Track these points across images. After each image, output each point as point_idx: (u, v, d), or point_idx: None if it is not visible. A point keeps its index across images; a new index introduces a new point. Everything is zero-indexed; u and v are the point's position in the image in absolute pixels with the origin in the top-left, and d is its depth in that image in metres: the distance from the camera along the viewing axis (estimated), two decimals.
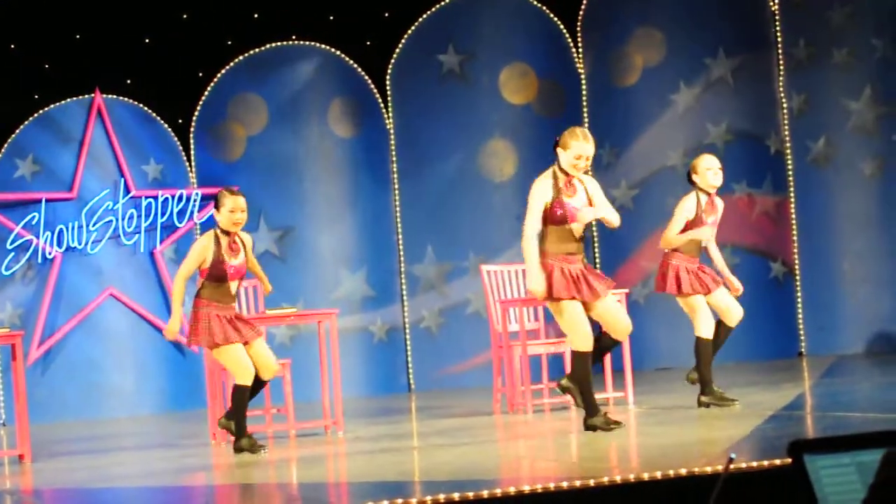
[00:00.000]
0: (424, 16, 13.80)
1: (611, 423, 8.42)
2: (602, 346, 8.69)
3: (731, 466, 3.63)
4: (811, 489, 3.52)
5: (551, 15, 13.95)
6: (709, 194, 9.56)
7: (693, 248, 9.59)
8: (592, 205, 8.49)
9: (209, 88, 13.45)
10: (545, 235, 8.44)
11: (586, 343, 8.42)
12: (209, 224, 11.19)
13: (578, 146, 8.36)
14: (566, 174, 8.43)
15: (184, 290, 8.83)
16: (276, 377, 9.24)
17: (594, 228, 13.89)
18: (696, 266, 9.57)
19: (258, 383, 8.95)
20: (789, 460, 3.58)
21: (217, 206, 8.84)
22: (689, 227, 9.53)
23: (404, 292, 13.73)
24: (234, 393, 8.82)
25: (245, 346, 8.84)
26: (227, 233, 8.83)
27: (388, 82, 13.79)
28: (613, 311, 8.56)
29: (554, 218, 8.39)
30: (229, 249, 8.80)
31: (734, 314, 9.53)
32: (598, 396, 10.36)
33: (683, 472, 6.07)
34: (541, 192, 8.42)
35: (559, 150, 8.43)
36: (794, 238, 13.91)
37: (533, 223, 8.38)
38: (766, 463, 6.03)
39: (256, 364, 8.89)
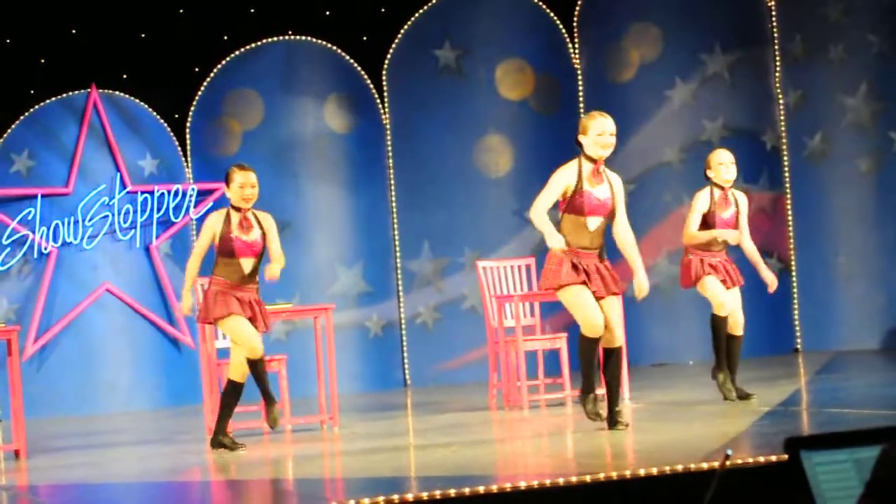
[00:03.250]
0: (421, 11, 13.79)
1: (591, 414, 8.38)
2: (606, 361, 8.51)
3: (727, 463, 3.63)
4: (808, 486, 3.52)
5: (548, 10, 13.95)
6: (722, 189, 9.56)
7: (713, 244, 9.55)
8: (615, 199, 8.26)
9: (205, 83, 13.44)
10: (560, 225, 8.25)
11: (592, 330, 8.19)
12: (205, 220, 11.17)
13: (597, 124, 8.22)
14: (593, 162, 8.22)
15: (197, 268, 8.83)
16: (272, 373, 9.22)
17: None
18: (717, 260, 9.55)
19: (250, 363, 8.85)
20: (786, 457, 3.58)
21: (227, 183, 8.83)
22: (704, 221, 9.52)
23: (400, 288, 13.73)
24: (226, 386, 8.84)
25: None
26: (238, 209, 8.82)
27: (384, 77, 13.78)
28: (608, 315, 8.27)
29: (573, 206, 8.19)
30: (240, 226, 8.77)
31: (734, 319, 9.53)
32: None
33: (679, 468, 6.07)
34: (564, 175, 8.20)
35: (581, 138, 8.25)
36: (791, 234, 13.91)
37: (544, 199, 8.16)
38: (762, 459, 6.03)
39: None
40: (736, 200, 9.62)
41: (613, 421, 8.30)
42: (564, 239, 8.15)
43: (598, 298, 8.24)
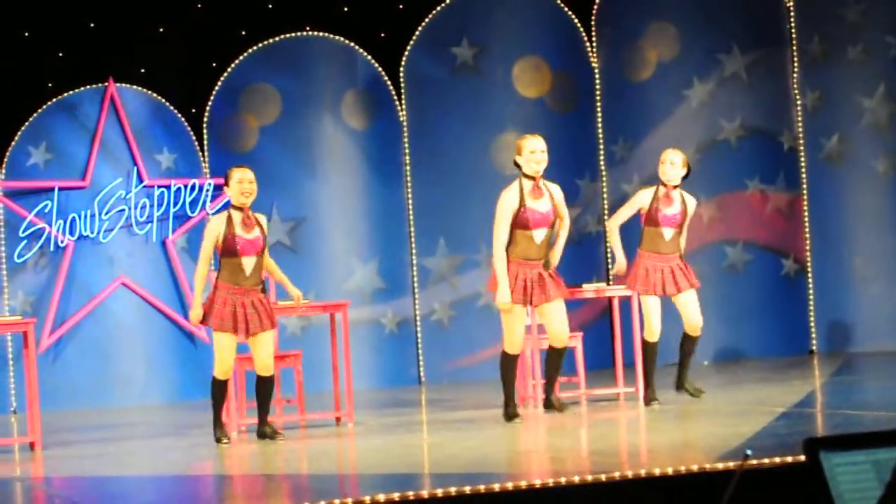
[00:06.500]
0: (438, 8, 13.78)
1: (512, 415, 9.11)
2: (549, 356, 9.29)
3: (745, 463, 3.62)
4: (827, 487, 3.51)
5: (566, 8, 13.93)
6: (667, 187, 9.62)
7: (660, 245, 9.62)
8: (557, 208, 9.07)
9: (222, 79, 13.45)
10: (510, 241, 9.03)
11: (512, 348, 9.15)
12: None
13: (529, 143, 9.05)
14: (532, 179, 9.00)
15: (205, 275, 8.84)
16: (287, 367, 9.22)
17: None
18: (670, 265, 9.62)
19: (258, 381, 8.95)
20: (803, 457, 3.57)
21: (227, 182, 8.89)
22: (643, 218, 9.62)
23: (415, 284, 13.73)
24: (211, 384, 8.92)
25: (251, 337, 8.83)
26: (240, 209, 8.85)
27: (401, 74, 13.77)
28: (554, 317, 9.13)
29: (518, 223, 8.99)
30: (242, 224, 8.82)
31: (691, 321, 9.67)
32: (608, 391, 10.43)
33: (695, 468, 6.06)
34: (508, 200, 9.03)
35: (517, 158, 9.08)
36: (807, 235, 13.89)
37: (501, 235, 9.03)
38: (777, 460, 6.02)
39: (253, 357, 8.93)
40: (683, 200, 9.68)
41: (549, 404, 9.33)
42: (514, 250, 9.03)
43: (542, 303, 9.08)
